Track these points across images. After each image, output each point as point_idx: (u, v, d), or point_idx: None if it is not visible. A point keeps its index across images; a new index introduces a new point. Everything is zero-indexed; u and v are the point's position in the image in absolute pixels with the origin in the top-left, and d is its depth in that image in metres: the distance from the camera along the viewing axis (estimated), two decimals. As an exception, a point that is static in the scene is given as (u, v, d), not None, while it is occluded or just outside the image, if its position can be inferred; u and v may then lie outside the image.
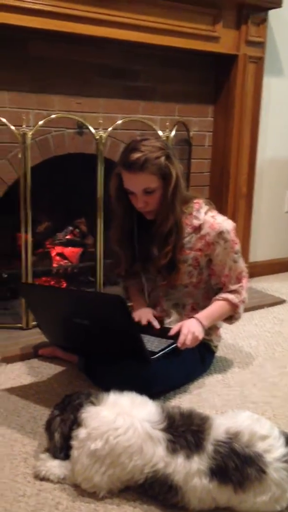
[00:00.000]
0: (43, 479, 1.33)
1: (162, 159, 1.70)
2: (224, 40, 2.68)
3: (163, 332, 1.81)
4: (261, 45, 2.80)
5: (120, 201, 1.81)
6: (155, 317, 1.90)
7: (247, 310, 2.54)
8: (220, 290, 1.88)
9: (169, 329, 1.80)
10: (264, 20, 2.76)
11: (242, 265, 1.88)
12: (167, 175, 1.71)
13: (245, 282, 1.89)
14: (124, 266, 1.91)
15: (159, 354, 1.68)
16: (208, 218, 1.81)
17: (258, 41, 2.77)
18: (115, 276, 2.05)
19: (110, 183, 1.82)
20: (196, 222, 1.80)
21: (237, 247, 1.84)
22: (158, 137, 1.79)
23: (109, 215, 2.29)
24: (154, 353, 1.68)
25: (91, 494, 1.28)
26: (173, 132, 2.55)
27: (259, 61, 2.81)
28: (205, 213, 1.82)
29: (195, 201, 1.84)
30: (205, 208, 1.83)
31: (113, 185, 1.80)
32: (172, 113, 2.73)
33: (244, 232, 2.97)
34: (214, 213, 1.84)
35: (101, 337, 1.70)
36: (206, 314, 1.82)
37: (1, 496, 1.28)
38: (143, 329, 1.82)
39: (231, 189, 2.90)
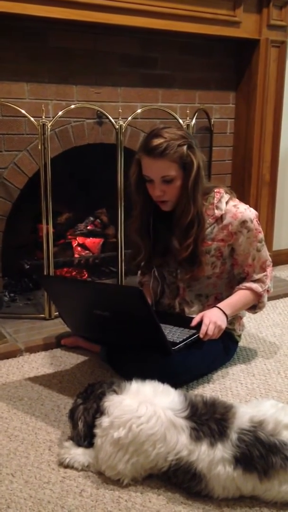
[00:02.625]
0: (67, 466, 1.34)
1: (184, 147, 1.67)
2: (245, 24, 2.63)
3: (185, 322, 1.79)
4: (283, 28, 2.74)
5: (140, 190, 1.78)
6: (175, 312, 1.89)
7: (271, 298, 2.53)
8: (243, 279, 1.85)
9: (191, 319, 1.79)
10: (286, 3, 2.70)
11: (266, 254, 1.84)
12: (188, 165, 1.68)
13: (269, 271, 1.85)
14: (144, 257, 1.88)
15: (180, 345, 1.67)
16: (230, 207, 1.78)
17: (280, 25, 2.71)
18: (134, 267, 2.03)
19: (130, 170, 1.79)
20: (217, 212, 1.77)
21: (261, 235, 1.81)
22: (180, 126, 1.77)
23: (130, 205, 2.29)
24: (176, 343, 1.67)
25: (115, 482, 1.29)
26: (194, 120, 2.52)
27: (281, 45, 2.75)
28: (227, 202, 1.79)
29: (215, 190, 1.80)
30: (226, 197, 1.80)
31: (133, 172, 1.77)
32: (192, 101, 2.69)
33: (268, 220, 2.93)
34: (236, 202, 1.81)
35: (122, 328, 1.69)
36: (229, 303, 1.80)
37: (26, 483, 1.29)
38: (165, 320, 1.81)
39: (253, 176, 2.86)
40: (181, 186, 1.71)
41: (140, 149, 1.72)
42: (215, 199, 1.78)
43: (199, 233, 1.74)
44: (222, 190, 1.81)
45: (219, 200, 1.78)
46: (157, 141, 1.65)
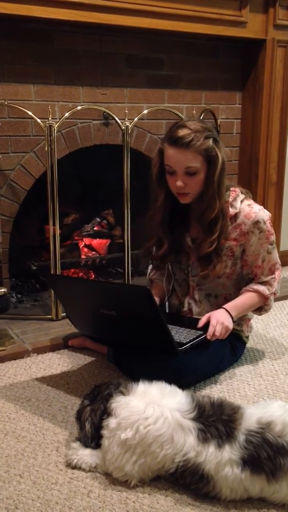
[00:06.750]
0: (75, 467, 1.34)
1: (210, 140, 1.65)
2: (251, 24, 2.62)
3: (192, 323, 1.79)
4: (290, 28, 2.73)
5: (162, 181, 1.75)
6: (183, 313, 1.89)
7: (278, 299, 2.52)
8: (251, 280, 1.84)
9: (198, 320, 1.78)
10: (293, 3, 2.69)
11: (276, 256, 1.83)
12: (213, 158, 1.66)
13: (278, 274, 1.85)
14: (166, 250, 1.83)
15: (187, 345, 1.67)
16: (244, 206, 1.77)
17: (287, 25, 2.71)
18: (152, 261, 2.00)
19: (152, 161, 1.76)
20: (232, 211, 1.76)
21: (272, 238, 1.80)
22: (204, 120, 1.77)
23: (136, 205, 2.29)
24: (183, 344, 1.67)
25: (123, 483, 1.29)
26: (200, 120, 2.52)
27: (288, 45, 2.75)
28: (241, 201, 1.78)
29: (231, 189, 1.80)
30: (241, 196, 1.79)
31: (155, 163, 1.74)
32: (198, 101, 2.69)
33: (275, 220, 2.92)
34: (251, 202, 1.80)
35: (129, 328, 1.69)
36: (235, 305, 1.79)
37: (34, 484, 1.29)
38: (172, 320, 1.81)
39: (260, 177, 2.86)
40: (204, 180, 1.69)
41: (164, 140, 1.70)
42: (231, 197, 1.78)
43: (223, 229, 1.73)
44: (237, 190, 1.81)
45: (234, 199, 1.78)
46: (183, 132, 1.64)
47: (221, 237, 1.73)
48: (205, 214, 1.72)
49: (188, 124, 1.66)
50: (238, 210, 1.76)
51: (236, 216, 1.77)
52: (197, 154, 1.65)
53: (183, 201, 1.75)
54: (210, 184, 1.68)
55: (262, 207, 1.80)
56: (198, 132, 1.64)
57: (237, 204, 1.77)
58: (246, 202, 1.79)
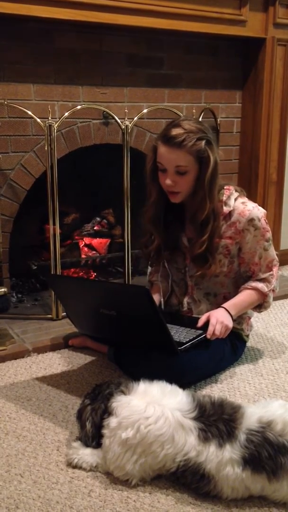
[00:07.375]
0: (76, 467, 1.34)
1: (203, 142, 1.65)
2: (251, 23, 2.62)
3: (191, 323, 1.79)
4: (289, 27, 2.73)
5: (155, 178, 1.76)
6: (183, 313, 1.89)
7: (278, 298, 2.52)
8: (249, 278, 1.84)
9: (197, 319, 1.78)
10: (293, 1, 2.69)
11: (273, 253, 1.83)
12: (204, 159, 1.67)
13: (275, 271, 1.85)
14: (156, 246, 1.85)
15: (187, 345, 1.67)
16: (238, 204, 1.78)
17: (286, 23, 2.70)
18: (145, 256, 2.00)
19: (147, 158, 1.77)
20: (225, 209, 1.77)
21: (268, 235, 1.80)
22: (200, 121, 1.78)
23: (136, 205, 2.29)
24: (182, 343, 1.67)
25: (124, 482, 1.29)
26: (200, 119, 2.52)
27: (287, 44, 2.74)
28: (235, 199, 1.78)
29: (225, 187, 1.80)
30: (235, 194, 1.80)
31: (149, 160, 1.75)
32: (198, 100, 2.69)
33: (275, 219, 2.92)
34: (245, 199, 1.81)
35: (128, 328, 1.69)
36: (234, 303, 1.79)
37: (35, 483, 1.30)
38: (172, 320, 1.81)
39: (260, 176, 2.86)
40: (194, 180, 1.70)
41: (158, 137, 1.72)
42: (224, 196, 1.78)
43: (214, 230, 1.74)
44: (231, 188, 1.81)
45: (228, 197, 1.78)
46: (176, 131, 1.64)
47: (213, 238, 1.74)
48: (196, 215, 1.72)
49: (183, 124, 1.66)
50: (232, 208, 1.77)
51: (230, 214, 1.77)
52: (188, 154, 1.65)
53: (173, 200, 1.76)
54: (201, 185, 1.69)
55: (256, 204, 1.80)
56: (192, 133, 1.64)
57: (231, 202, 1.77)
58: (240, 200, 1.79)
